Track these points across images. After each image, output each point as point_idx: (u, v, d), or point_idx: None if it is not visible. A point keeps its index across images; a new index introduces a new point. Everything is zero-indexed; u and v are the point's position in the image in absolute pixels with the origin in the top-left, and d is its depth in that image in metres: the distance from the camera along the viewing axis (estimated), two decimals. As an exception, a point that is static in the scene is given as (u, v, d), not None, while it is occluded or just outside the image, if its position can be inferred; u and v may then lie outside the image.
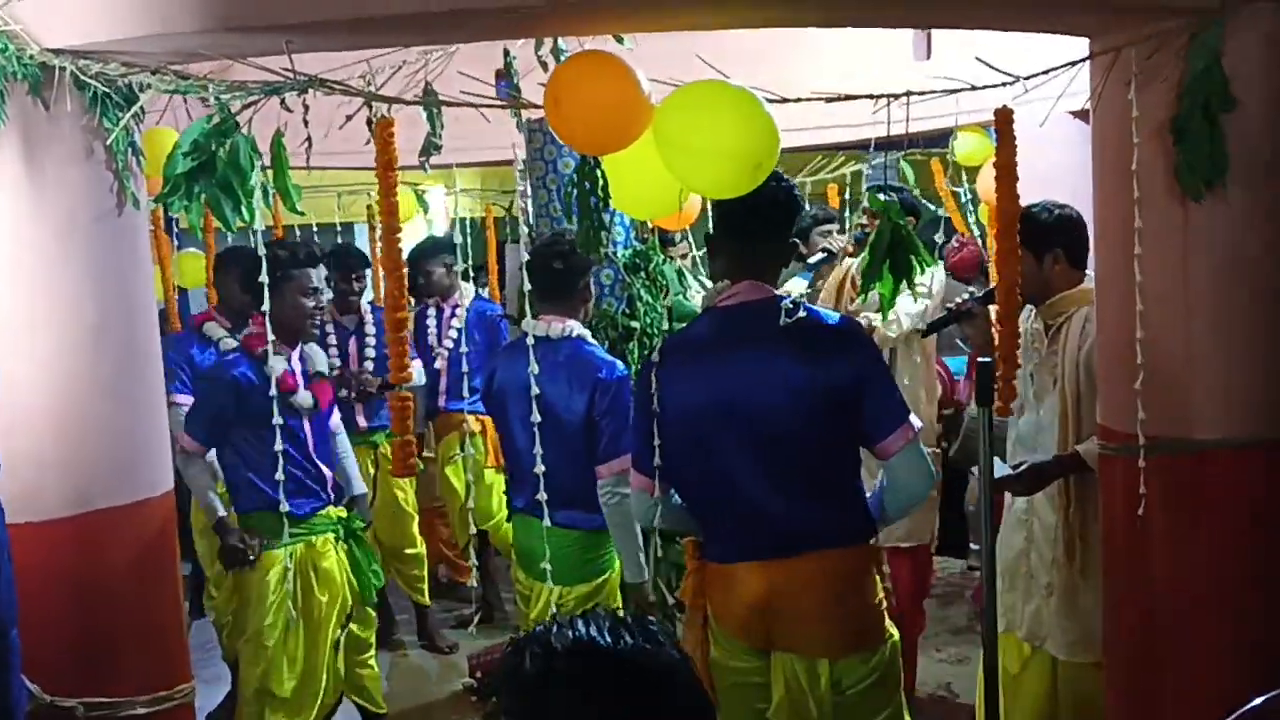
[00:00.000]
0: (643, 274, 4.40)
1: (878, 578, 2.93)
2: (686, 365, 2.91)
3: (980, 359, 2.68)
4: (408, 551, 5.69)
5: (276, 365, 3.73)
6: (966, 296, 3.91)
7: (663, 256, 4.41)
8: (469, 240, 6.46)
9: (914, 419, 2.86)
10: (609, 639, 1.31)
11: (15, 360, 2.75)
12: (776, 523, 2.83)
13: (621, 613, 1.39)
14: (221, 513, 3.88)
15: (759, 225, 2.88)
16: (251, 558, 3.82)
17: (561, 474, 3.61)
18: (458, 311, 5.89)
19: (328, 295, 5.10)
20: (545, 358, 3.60)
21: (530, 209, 4.51)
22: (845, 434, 2.83)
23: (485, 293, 7.10)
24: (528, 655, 1.32)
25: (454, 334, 5.89)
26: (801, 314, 2.83)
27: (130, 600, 2.89)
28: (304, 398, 3.99)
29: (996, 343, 3.20)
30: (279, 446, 3.52)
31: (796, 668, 2.84)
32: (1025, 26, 3.11)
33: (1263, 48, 2.84)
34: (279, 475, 3.50)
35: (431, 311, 5.98)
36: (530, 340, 3.58)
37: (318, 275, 4.08)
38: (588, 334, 3.81)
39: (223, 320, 4.84)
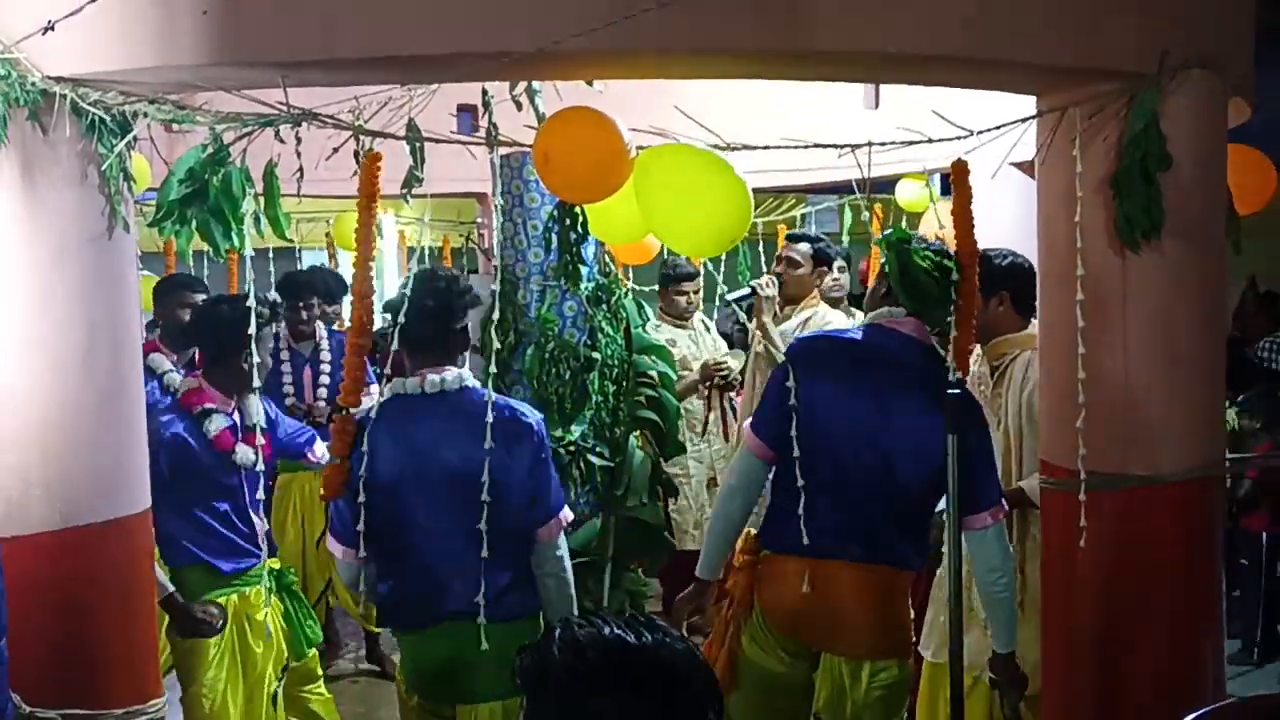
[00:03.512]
0: (604, 306, 4.53)
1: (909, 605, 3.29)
2: (833, 359, 3.25)
3: (950, 391, 2.87)
4: None
5: (215, 424, 3.76)
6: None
7: (625, 290, 4.53)
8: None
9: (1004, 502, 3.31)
10: (633, 636, 1.44)
11: (6, 377, 2.81)
12: (865, 530, 3.15)
13: (632, 612, 1.53)
14: (170, 588, 3.64)
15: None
16: (219, 625, 3.72)
17: (495, 556, 3.07)
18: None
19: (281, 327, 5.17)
20: (447, 417, 3.12)
21: (496, 241, 4.62)
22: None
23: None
24: (557, 654, 1.44)
25: None
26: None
27: (109, 614, 2.93)
28: (244, 454, 3.82)
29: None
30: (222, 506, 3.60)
31: (843, 669, 3.14)
32: (975, 85, 3.31)
33: (1195, 110, 3.05)
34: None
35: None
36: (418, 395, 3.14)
37: (270, 334, 4.05)
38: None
39: (168, 351, 4.58)
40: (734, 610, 3.28)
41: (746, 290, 5.10)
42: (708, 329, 6.17)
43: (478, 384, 3.18)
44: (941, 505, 3.19)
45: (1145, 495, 3.10)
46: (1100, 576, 3.17)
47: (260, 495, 3.79)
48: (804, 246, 5.19)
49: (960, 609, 2.80)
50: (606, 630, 1.44)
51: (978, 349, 3.77)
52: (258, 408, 3.89)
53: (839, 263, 5.72)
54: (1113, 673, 3.17)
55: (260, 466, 3.81)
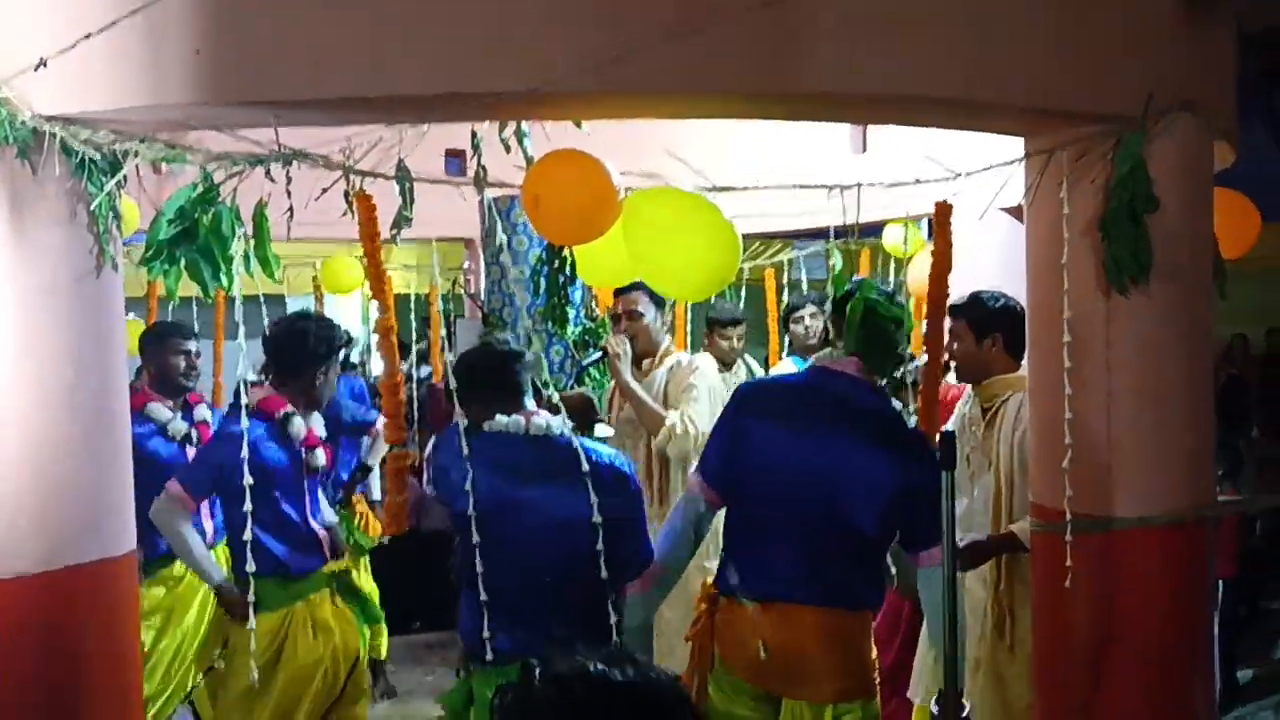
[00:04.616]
0: (592, 349, 4.54)
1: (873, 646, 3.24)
2: (779, 403, 3.22)
3: (944, 429, 2.89)
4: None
5: (297, 426, 3.91)
6: (912, 366, 4.13)
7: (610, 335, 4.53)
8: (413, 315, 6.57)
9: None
10: (618, 671, 1.42)
11: (-7, 416, 2.78)
12: (819, 572, 3.12)
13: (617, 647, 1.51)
14: (221, 575, 3.89)
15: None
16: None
17: (571, 602, 3.13)
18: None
19: None
20: (534, 458, 3.19)
21: (482, 285, 4.63)
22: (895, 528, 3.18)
23: (425, 370, 7.20)
24: (541, 690, 1.42)
25: None
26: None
27: (94, 656, 2.89)
28: (316, 458, 4.03)
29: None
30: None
31: (806, 714, 3.08)
32: (964, 127, 3.34)
33: (1181, 153, 3.09)
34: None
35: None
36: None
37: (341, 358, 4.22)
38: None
39: (163, 399, 4.64)
40: (697, 660, 3.24)
41: (596, 354, 4.53)
42: (752, 374, 5.89)
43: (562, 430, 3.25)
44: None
45: (1133, 538, 3.10)
46: (1089, 618, 3.16)
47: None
48: (637, 294, 4.54)
49: (956, 652, 2.76)
50: (590, 666, 1.42)
51: (969, 389, 3.78)
52: (320, 421, 4.10)
53: (810, 309, 5.67)
54: (1103, 714, 3.15)
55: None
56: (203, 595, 4.52)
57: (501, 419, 3.19)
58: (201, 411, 4.72)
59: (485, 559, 3.08)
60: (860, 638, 3.20)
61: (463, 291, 5.95)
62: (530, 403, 3.25)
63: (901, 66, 2.75)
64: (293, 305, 7.99)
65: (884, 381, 3.68)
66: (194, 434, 4.59)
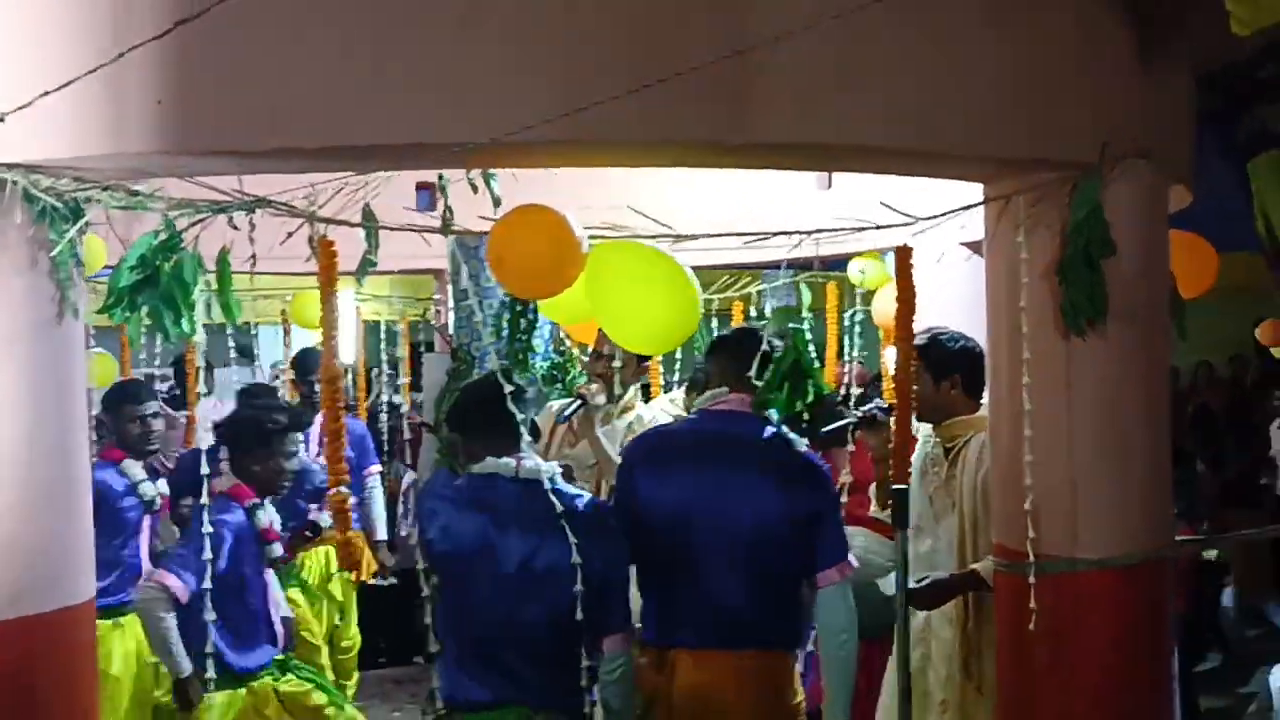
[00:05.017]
0: (559, 385, 4.55)
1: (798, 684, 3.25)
2: (669, 454, 3.23)
3: (895, 486, 2.91)
4: (343, 643, 5.74)
5: (262, 518, 3.80)
6: (873, 406, 4.16)
7: (579, 370, 4.55)
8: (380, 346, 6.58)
9: (852, 558, 3.24)
10: None
11: (-49, 464, 2.76)
12: (726, 615, 3.14)
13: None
14: (188, 669, 3.66)
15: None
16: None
17: (550, 652, 3.04)
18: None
19: None
20: (514, 505, 3.06)
21: (452, 320, 4.64)
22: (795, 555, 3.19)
23: (399, 398, 7.21)
24: None
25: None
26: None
27: (52, 704, 2.87)
28: (273, 550, 3.91)
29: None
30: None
31: None
32: (921, 174, 3.39)
33: (1137, 198, 3.13)
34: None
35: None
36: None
37: (295, 439, 4.08)
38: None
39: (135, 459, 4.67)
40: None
41: (575, 402, 4.20)
42: None
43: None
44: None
45: (1095, 578, 3.12)
46: (1053, 659, 3.17)
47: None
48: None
49: (909, 691, 2.78)
50: None
51: (927, 428, 3.80)
52: (274, 511, 3.97)
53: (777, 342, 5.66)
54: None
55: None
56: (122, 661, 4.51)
57: (491, 461, 3.09)
58: (160, 485, 4.70)
59: (465, 605, 3.03)
60: (782, 677, 3.21)
61: (433, 324, 5.95)
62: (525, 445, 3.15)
63: (856, 117, 2.78)
64: (263, 335, 8.01)
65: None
66: (157, 501, 4.55)
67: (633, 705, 3.12)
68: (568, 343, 4.90)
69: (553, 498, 3.00)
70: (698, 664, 3.11)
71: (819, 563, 3.18)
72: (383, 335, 7.37)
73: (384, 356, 7.12)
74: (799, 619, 3.26)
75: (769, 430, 3.26)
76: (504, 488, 3.05)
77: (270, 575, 3.95)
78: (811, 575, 3.20)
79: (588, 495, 3.20)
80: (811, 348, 3.48)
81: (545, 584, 2.98)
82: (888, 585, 3.60)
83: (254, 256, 2.85)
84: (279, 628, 3.92)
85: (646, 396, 5.83)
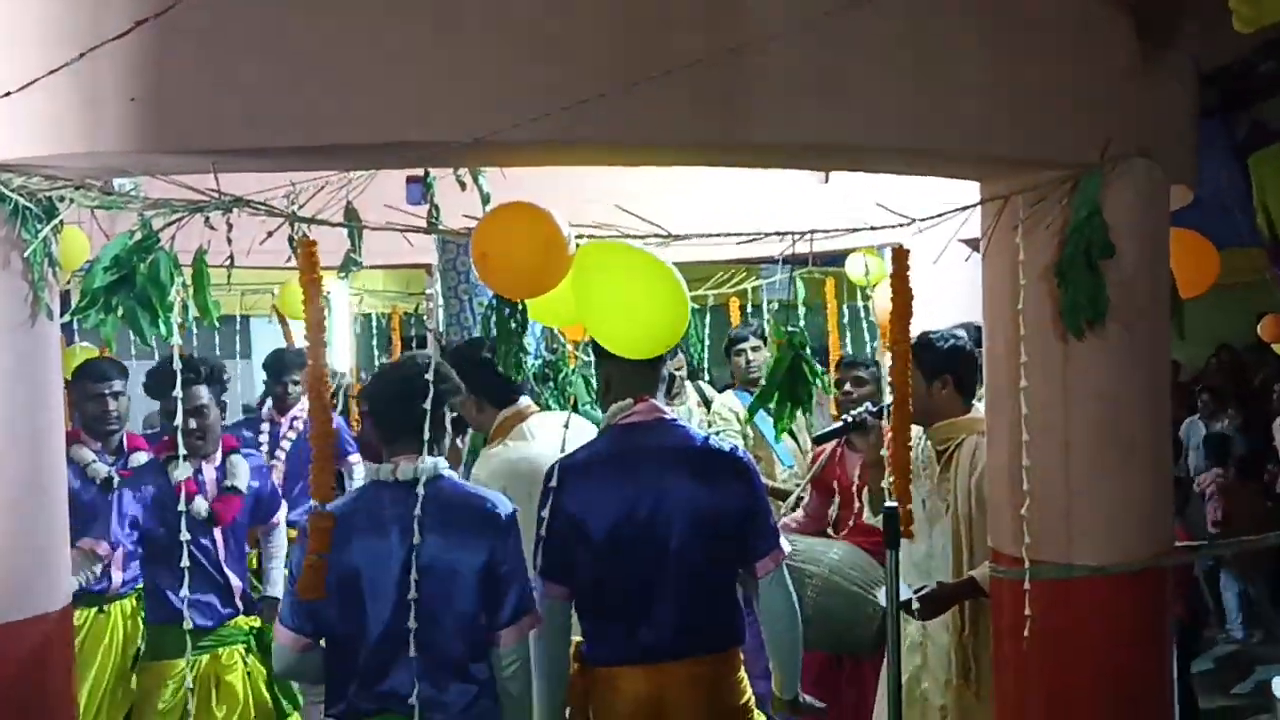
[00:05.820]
0: (551, 384, 4.48)
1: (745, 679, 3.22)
2: (594, 479, 3.12)
3: (886, 505, 2.85)
4: None
5: (180, 472, 3.84)
6: (863, 409, 4.08)
7: (573, 368, 4.48)
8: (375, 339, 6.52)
9: (784, 543, 3.25)
10: None
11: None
12: (669, 629, 3.10)
13: None
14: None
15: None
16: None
17: (442, 656, 2.90)
18: (295, 424, 5.88)
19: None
20: (411, 507, 2.89)
21: (441, 316, 4.57)
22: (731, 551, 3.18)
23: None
24: None
25: (288, 445, 5.87)
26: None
27: (29, 711, 2.81)
28: (198, 506, 3.99)
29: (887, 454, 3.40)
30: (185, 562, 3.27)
31: None
32: (916, 173, 3.32)
33: (1137, 198, 3.06)
34: (184, 591, 3.31)
35: (265, 425, 5.95)
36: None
37: (199, 393, 4.09)
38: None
39: (90, 441, 4.56)
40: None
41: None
42: (704, 399, 5.79)
43: (453, 474, 3.02)
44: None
45: (1092, 585, 3.06)
46: (1049, 666, 3.12)
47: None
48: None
49: (899, 698, 2.72)
50: None
51: (918, 431, 3.73)
52: (244, 470, 4.22)
53: (752, 341, 5.60)
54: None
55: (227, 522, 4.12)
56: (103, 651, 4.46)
57: (388, 465, 2.94)
58: (137, 458, 4.58)
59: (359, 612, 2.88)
60: (731, 676, 3.18)
61: (424, 320, 5.90)
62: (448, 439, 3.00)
63: (852, 117, 2.71)
64: (254, 327, 7.96)
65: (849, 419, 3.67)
66: (115, 478, 4.40)
67: (536, 691, 3.04)
68: (561, 339, 4.83)
69: (451, 494, 2.91)
70: (647, 677, 3.08)
71: (753, 553, 3.18)
72: (374, 333, 7.33)
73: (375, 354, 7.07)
74: (739, 614, 3.23)
75: (683, 431, 3.23)
76: (399, 490, 2.91)
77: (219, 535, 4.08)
78: (749, 566, 3.20)
79: (486, 492, 3.06)
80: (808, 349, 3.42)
81: (441, 583, 2.85)
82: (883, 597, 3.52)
83: (231, 257, 2.78)
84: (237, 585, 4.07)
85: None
